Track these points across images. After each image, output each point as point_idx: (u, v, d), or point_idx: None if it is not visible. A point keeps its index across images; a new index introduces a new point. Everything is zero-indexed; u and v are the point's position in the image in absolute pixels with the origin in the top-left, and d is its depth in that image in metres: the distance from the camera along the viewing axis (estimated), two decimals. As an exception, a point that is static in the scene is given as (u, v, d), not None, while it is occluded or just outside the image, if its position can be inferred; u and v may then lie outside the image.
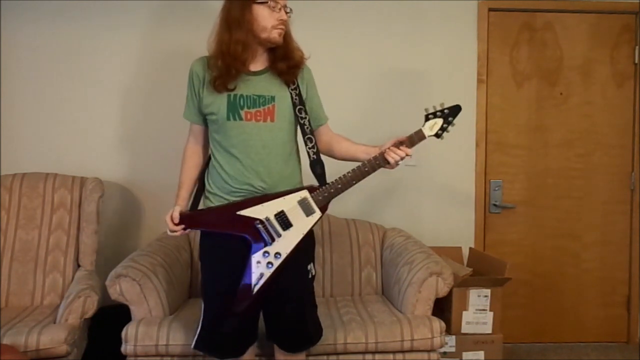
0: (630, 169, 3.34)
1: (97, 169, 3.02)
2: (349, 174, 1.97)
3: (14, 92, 3.04)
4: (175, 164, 3.00)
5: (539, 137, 3.30)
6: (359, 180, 1.98)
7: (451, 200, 3.25)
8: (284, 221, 1.95)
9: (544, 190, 3.32)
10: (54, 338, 2.23)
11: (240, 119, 1.95)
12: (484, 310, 2.77)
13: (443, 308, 2.75)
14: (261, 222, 1.94)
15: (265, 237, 1.94)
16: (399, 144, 1.97)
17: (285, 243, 1.95)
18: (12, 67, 3.03)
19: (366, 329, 2.35)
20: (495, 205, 3.29)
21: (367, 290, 2.89)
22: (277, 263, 1.94)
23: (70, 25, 3.04)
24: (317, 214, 1.97)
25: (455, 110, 2.02)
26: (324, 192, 1.98)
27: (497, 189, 3.29)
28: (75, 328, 2.33)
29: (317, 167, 2.02)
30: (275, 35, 1.94)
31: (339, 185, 1.97)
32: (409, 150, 1.96)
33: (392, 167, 1.99)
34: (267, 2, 1.90)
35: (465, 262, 3.15)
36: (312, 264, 2.09)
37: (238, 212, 1.95)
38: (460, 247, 3.20)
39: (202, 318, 2.06)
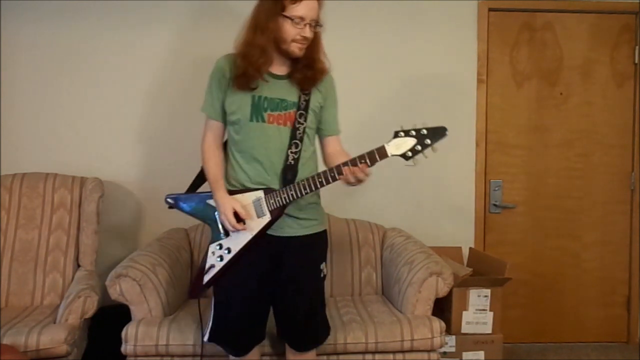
0: (630, 169, 3.34)
1: (97, 169, 3.01)
2: (302, 183, 1.91)
3: (14, 92, 3.04)
4: (175, 164, 3.04)
5: (539, 137, 3.30)
6: (312, 190, 1.90)
7: (451, 200, 3.25)
8: (237, 217, 1.95)
9: (544, 190, 3.32)
10: (54, 338, 2.23)
11: (263, 120, 1.95)
12: (484, 310, 2.77)
13: (443, 308, 2.75)
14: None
15: (220, 229, 1.99)
16: (358, 161, 1.84)
17: (237, 240, 1.98)
18: (12, 67, 3.03)
19: (366, 329, 2.35)
20: (495, 205, 3.29)
21: (367, 290, 2.89)
22: (227, 258, 1.98)
23: (70, 25, 3.03)
24: (267, 217, 1.95)
25: (437, 132, 1.81)
26: (277, 196, 1.94)
27: (497, 189, 3.29)
28: (75, 328, 2.33)
29: (289, 172, 1.96)
30: (294, 49, 1.93)
31: (292, 192, 1.92)
32: (366, 170, 1.82)
33: (347, 182, 1.86)
34: (292, 19, 1.89)
35: (465, 262, 3.15)
36: (324, 264, 2.11)
37: (207, 201, 2.03)
38: (460, 247, 3.20)
39: (212, 311, 2.08)
